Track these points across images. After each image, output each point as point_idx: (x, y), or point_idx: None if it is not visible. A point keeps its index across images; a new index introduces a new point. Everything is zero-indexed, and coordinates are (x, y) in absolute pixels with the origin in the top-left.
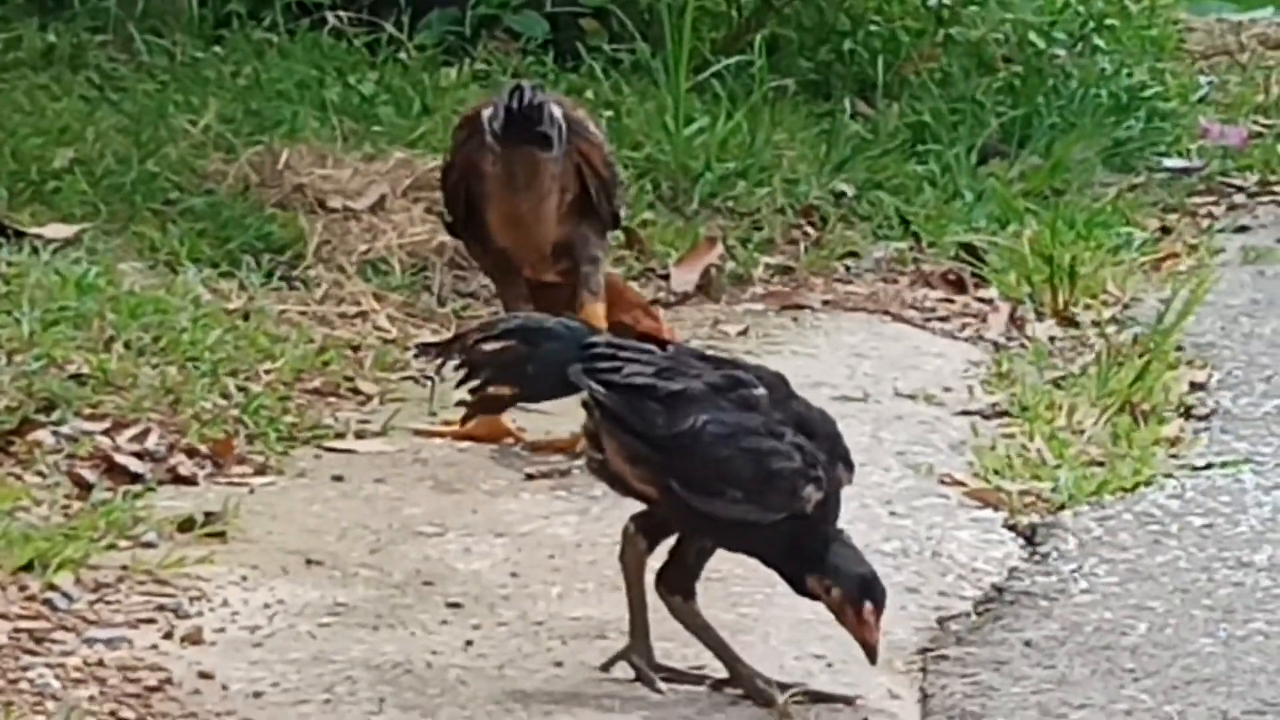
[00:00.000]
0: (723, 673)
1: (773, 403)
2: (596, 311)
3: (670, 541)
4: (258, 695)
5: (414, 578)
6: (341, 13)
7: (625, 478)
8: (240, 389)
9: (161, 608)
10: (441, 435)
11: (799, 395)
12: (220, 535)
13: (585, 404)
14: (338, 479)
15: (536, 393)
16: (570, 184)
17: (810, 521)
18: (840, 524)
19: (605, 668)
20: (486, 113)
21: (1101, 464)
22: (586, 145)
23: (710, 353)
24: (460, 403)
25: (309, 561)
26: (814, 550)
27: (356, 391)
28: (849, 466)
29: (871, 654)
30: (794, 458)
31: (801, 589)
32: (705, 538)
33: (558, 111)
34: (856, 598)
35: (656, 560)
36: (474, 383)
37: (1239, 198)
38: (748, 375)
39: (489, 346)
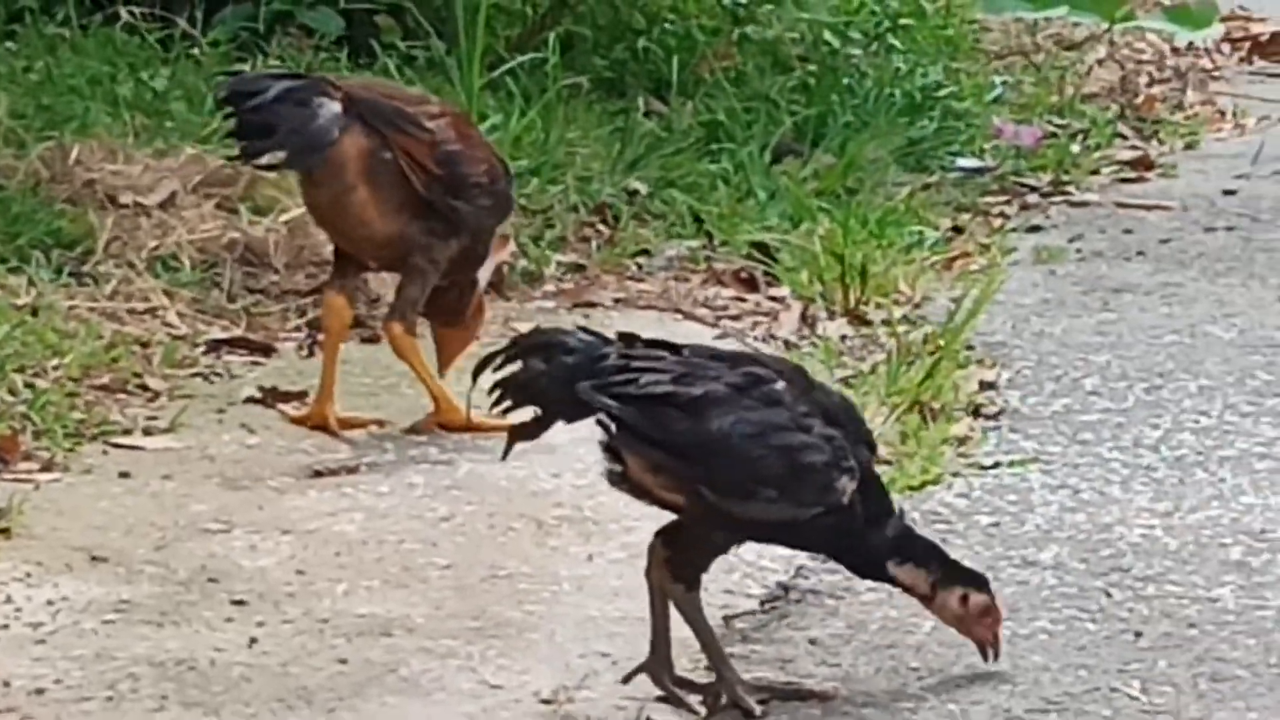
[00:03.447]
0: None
1: (795, 396)
2: (392, 333)
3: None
4: (40, 692)
5: (199, 575)
6: (135, 8)
7: (649, 489)
8: (27, 385)
9: None
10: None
11: (818, 384)
12: (4, 532)
13: (599, 422)
14: (124, 475)
15: (559, 413)
16: (391, 179)
17: (850, 510)
18: (636, 521)
19: (626, 680)
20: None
21: (890, 463)
22: (407, 139)
23: (724, 349)
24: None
25: (94, 558)
26: (877, 536)
27: (145, 388)
28: (872, 449)
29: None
30: (824, 450)
31: (883, 576)
32: (744, 539)
33: (331, 106)
34: (965, 585)
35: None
36: (503, 407)
37: (1032, 198)
38: (766, 371)
39: (508, 368)
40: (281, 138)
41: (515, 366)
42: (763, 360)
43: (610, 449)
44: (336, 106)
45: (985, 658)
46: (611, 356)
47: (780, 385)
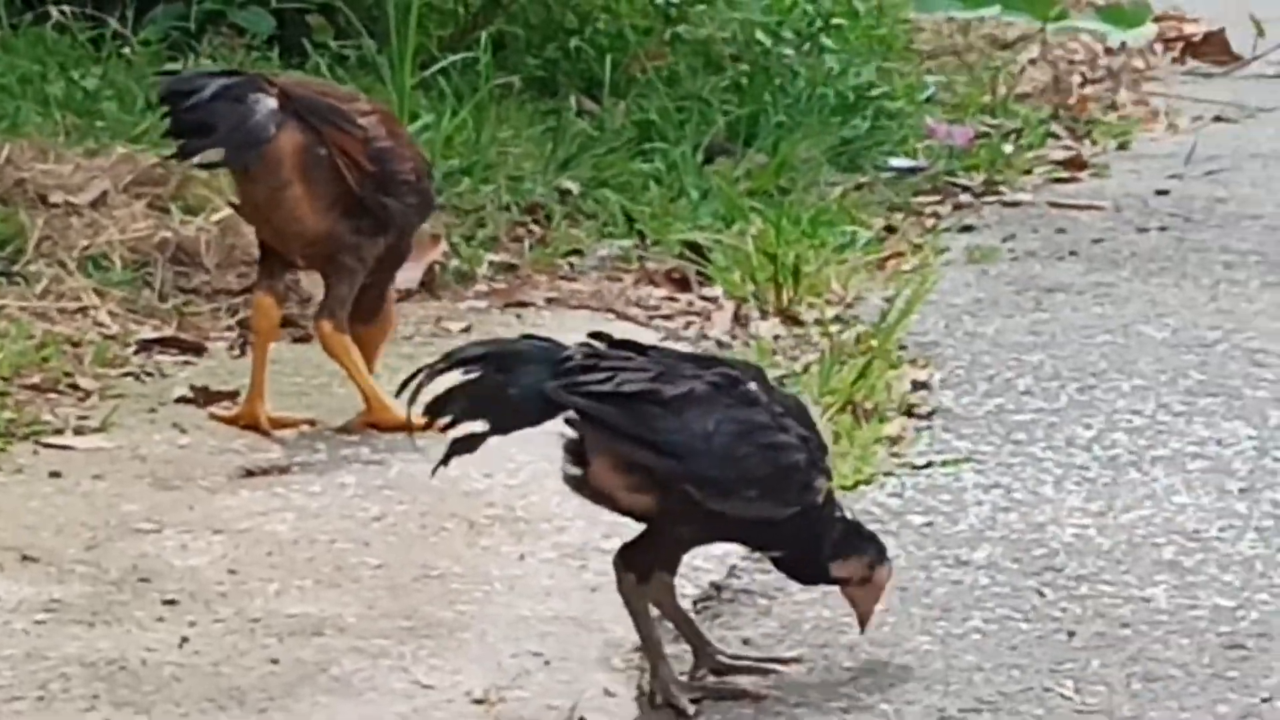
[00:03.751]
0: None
1: (769, 397)
2: (323, 331)
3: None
4: None
5: (130, 574)
6: (65, 7)
7: (612, 491)
8: None
9: None
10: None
11: (775, 386)
12: None
13: (569, 420)
14: (55, 475)
15: (514, 422)
16: (325, 175)
17: (820, 511)
18: (568, 521)
19: (651, 702)
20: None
21: None
22: (342, 136)
23: (689, 351)
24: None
25: (24, 558)
26: (827, 538)
27: (76, 388)
28: (825, 450)
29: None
30: (803, 450)
31: (824, 578)
32: (709, 539)
33: (267, 103)
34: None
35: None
36: (444, 420)
37: (964, 197)
38: (735, 371)
39: (455, 377)
40: (220, 136)
41: (465, 377)
42: (730, 362)
43: (572, 451)
44: (273, 103)
45: (863, 630)
46: (576, 357)
47: (754, 386)
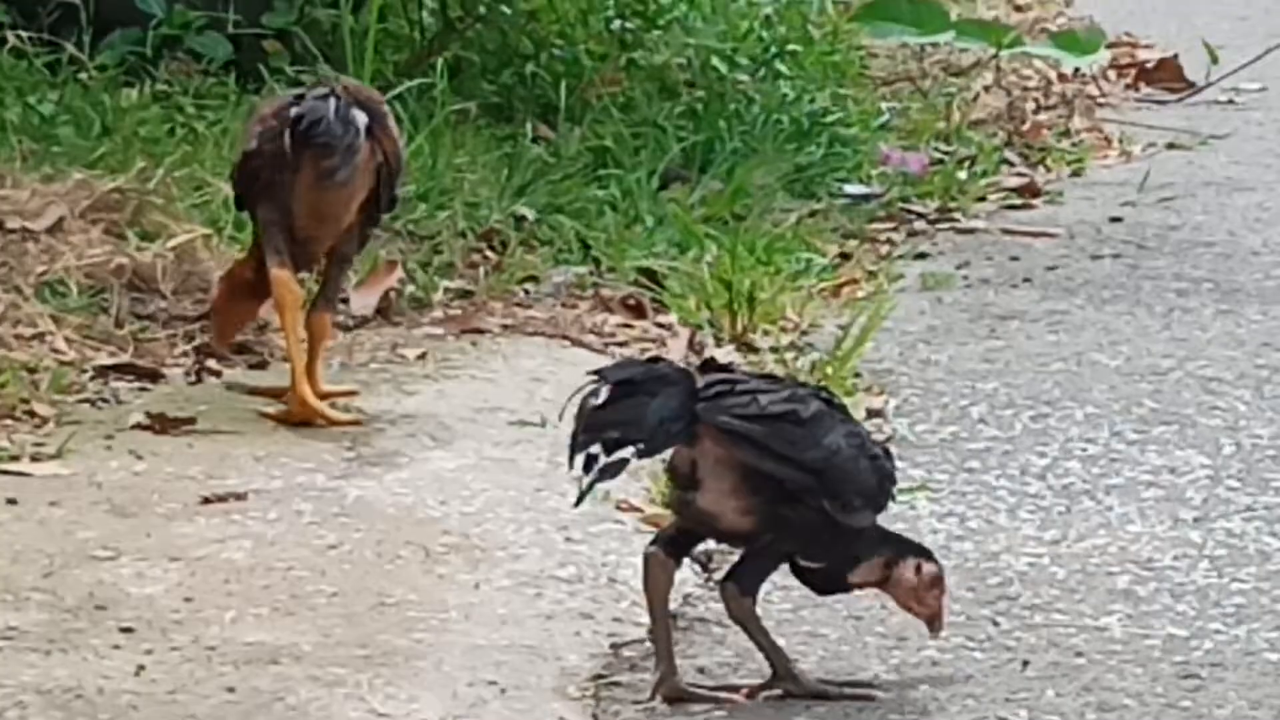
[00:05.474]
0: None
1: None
2: (324, 322)
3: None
4: None
5: (87, 602)
6: (22, 32)
7: (722, 513)
8: None
9: None
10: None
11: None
12: None
13: (695, 442)
14: (11, 502)
15: (659, 443)
16: (371, 177)
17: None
18: (524, 549)
19: (651, 698)
20: (295, 110)
21: None
22: (386, 139)
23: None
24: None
25: None
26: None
27: (32, 414)
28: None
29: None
30: (890, 460)
31: (842, 588)
32: (805, 554)
33: (361, 118)
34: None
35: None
36: (595, 449)
37: (919, 224)
38: (824, 391)
39: (602, 405)
40: (343, 156)
41: (615, 400)
42: (803, 383)
43: (685, 476)
44: (364, 117)
45: (933, 631)
46: (715, 381)
47: (839, 403)
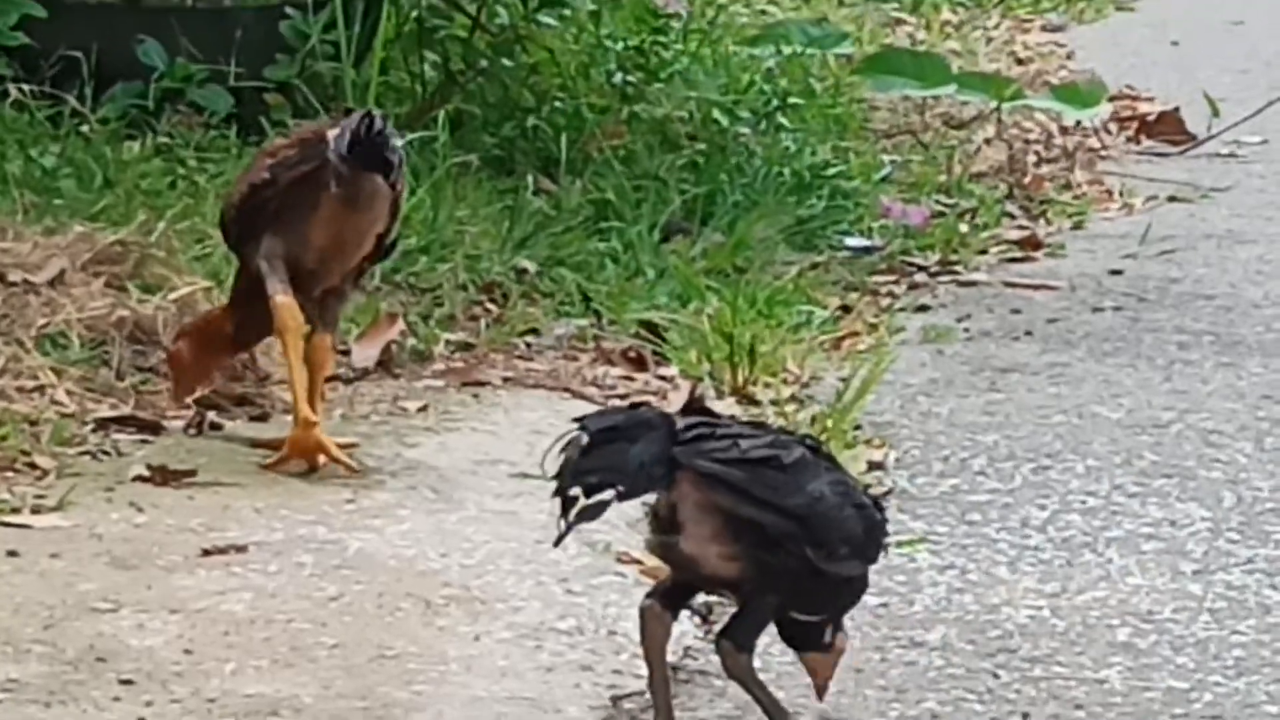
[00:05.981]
0: None
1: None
2: (326, 345)
3: None
4: None
5: (87, 654)
6: (24, 85)
7: (704, 558)
8: None
9: None
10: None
11: None
12: None
13: (674, 486)
14: (12, 554)
15: (640, 487)
16: (389, 213)
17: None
18: (524, 601)
19: None
20: (333, 133)
21: None
22: (400, 178)
23: (751, 422)
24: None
25: None
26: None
27: (33, 466)
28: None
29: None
30: (879, 511)
31: (821, 645)
32: (792, 606)
33: (399, 143)
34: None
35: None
36: (575, 491)
37: (920, 277)
38: (810, 439)
39: (584, 452)
40: (396, 175)
41: (597, 447)
42: (788, 431)
43: (661, 517)
44: (400, 141)
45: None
46: (695, 425)
47: (824, 451)
